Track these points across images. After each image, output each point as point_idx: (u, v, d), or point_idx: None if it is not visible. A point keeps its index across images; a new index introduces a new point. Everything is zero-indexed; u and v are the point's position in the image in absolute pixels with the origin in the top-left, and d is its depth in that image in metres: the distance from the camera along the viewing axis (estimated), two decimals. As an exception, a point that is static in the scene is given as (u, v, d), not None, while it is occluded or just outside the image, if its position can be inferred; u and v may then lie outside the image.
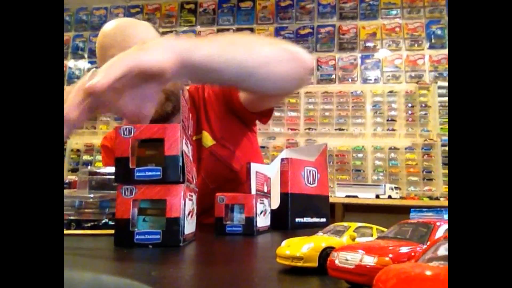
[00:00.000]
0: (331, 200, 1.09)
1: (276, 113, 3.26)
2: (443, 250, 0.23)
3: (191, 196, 0.58)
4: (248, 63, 0.69)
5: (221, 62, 0.63)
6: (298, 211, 0.85)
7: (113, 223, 0.69)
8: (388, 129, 3.24)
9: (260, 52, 0.72)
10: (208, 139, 1.03)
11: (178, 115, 1.04)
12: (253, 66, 0.69)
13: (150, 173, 0.53)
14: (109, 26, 1.00)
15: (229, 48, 0.66)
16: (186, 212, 0.53)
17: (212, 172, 1.01)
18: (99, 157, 3.56)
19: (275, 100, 1.03)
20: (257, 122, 1.11)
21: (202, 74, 0.63)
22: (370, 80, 3.37)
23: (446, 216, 0.53)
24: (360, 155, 3.25)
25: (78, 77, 3.79)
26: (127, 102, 0.55)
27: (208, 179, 1.00)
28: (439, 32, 3.34)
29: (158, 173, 0.52)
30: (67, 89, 0.53)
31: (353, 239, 0.36)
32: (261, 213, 0.70)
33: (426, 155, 3.16)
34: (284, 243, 0.38)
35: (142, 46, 0.55)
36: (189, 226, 0.56)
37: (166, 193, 0.52)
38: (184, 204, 0.52)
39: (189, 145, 0.60)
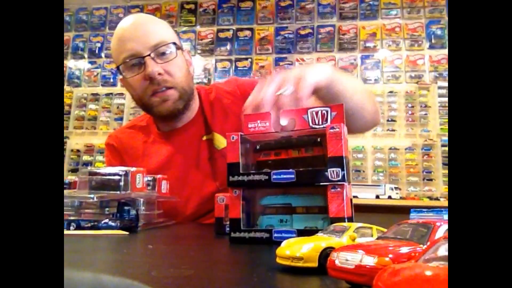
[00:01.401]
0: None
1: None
2: (443, 250, 0.23)
3: None
4: (359, 102, 0.84)
5: (345, 96, 0.78)
6: None
7: (113, 224, 0.69)
8: (388, 129, 3.24)
9: (365, 99, 0.87)
10: (220, 141, 1.01)
11: (187, 113, 1.04)
12: (361, 106, 0.84)
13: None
14: (129, 21, 0.99)
15: (356, 90, 0.83)
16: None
17: (223, 173, 1.00)
18: (99, 158, 3.56)
19: None
20: None
21: (333, 98, 0.76)
22: (370, 80, 3.37)
23: (446, 216, 0.53)
24: (360, 155, 3.25)
25: (78, 77, 3.79)
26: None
27: (218, 180, 0.99)
28: (439, 32, 3.34)
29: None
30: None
31: (353, 239, 0.36)
32: None
33: (426, 155, 3.16)
34: (284, 243, 0.38)
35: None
36: None
37: None
38: None
39: None
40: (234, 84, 1.09)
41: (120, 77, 1.01)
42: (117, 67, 0.99)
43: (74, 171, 3.55)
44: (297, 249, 0.35)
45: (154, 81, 0.94)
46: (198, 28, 3.72)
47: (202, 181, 1.00)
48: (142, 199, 0.77)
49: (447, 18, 3.37)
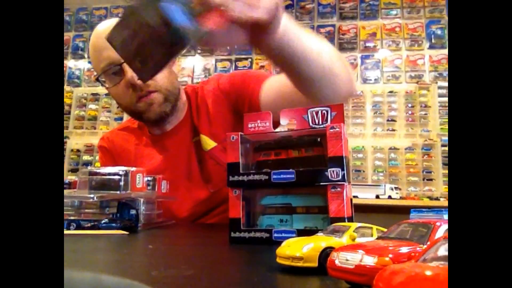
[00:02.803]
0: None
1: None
2: (443, 250, 0.23)
3: None
4: (326, 64, 0.72)
5: (308, 57, 0.68)
6: None
7: (113, 224, 0.69)
8: (388, 129, 3.24)
9: (334, 61, 0.75)
10: (207, 143, 1.00)
11: (175, 115, 1.03)
12: (329, 69, 0.73)
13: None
14: (103, 27, 0.97)
15: (317, 47, 0.71)
16: None
17: (212, 176, 0.98)
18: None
19: None
20: None
21: (289, 54, 0.65)
22: (370, 80, 3.37)
23: (446, 216, 0.53)
24: (360, 155, 3.25)
25: (78, 77, 3.79)
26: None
27: (208, 183, 0.98)
28: (439, 32, 3.34)
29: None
30: None
31: (353, 239, 0.36)
32: None
33: (426, 155, 3.16)
34: (284, 243, 0.38)
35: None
36: None
37: None
38: None
39: None
40: (216, 82, 1.06)
41: (105, 86, 0.99)
42: (97, 79, 0.97)
43: (74, 171, 3.55)
44: (297, 249, 0.35)
45: (136, 87, 0.92)
46: (198, 28, 3.71)
47: (193, 185, 0.99)
48: (142, 199, 0.77)
49: (447, 18, 3.37)
